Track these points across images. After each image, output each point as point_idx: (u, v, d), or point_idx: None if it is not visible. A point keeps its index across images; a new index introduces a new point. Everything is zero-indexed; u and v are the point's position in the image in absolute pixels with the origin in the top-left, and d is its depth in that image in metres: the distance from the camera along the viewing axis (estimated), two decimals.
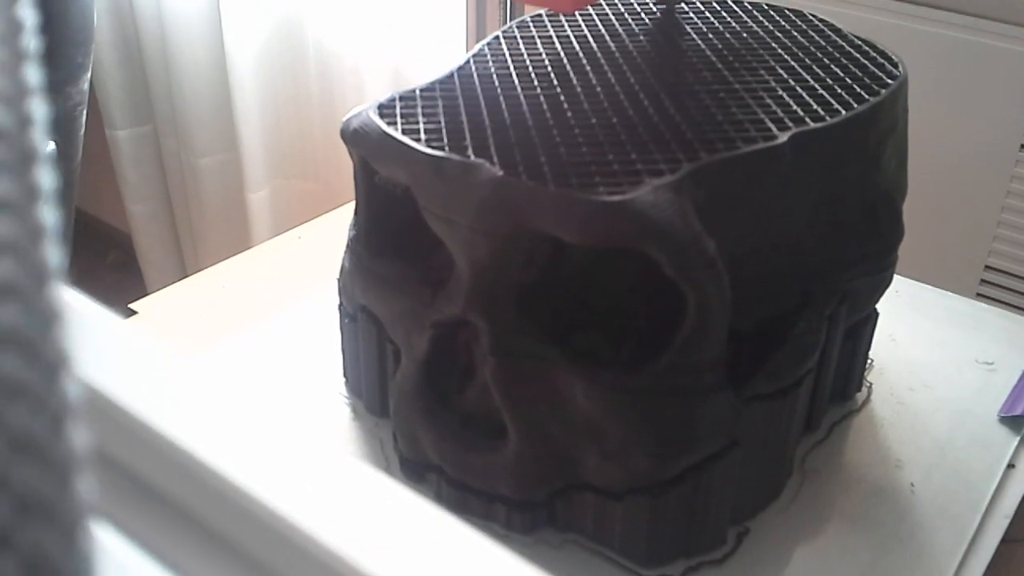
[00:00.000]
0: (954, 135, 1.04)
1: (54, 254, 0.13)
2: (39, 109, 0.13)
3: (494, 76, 0.62)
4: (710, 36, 0.69)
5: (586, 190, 0.49)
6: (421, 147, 0.53)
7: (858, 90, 0.60)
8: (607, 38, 0.69)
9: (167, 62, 1.34)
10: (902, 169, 0.65)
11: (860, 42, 0.67)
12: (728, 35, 0.69)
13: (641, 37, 0.69)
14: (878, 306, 0.67)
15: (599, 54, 0.66)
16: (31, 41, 0.14)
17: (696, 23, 0.71)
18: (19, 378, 0.12)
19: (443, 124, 0.56)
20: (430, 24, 1.25)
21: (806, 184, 0.57)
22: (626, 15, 0.72)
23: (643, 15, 0.72)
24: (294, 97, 1.34)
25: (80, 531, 0.12)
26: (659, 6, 0.72)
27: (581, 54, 0.66)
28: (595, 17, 0.72)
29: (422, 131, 0.55)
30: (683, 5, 0.73)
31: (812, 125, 0.56)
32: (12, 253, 0.13)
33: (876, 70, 0.63)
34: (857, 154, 0.59)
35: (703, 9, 0.73)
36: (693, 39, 0.68)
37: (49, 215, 0.13)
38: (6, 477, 0.11)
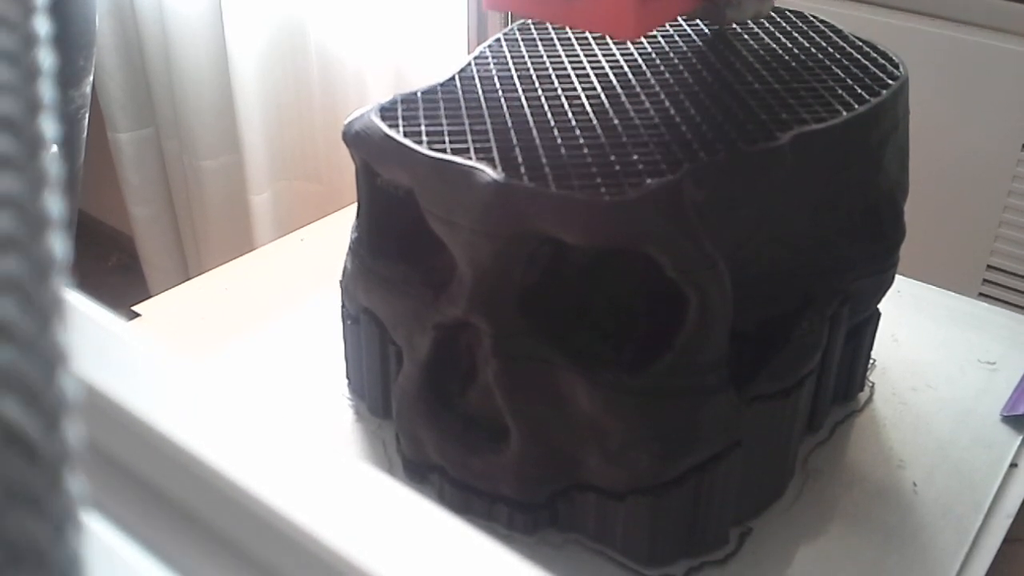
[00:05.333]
0: (955, 135, 1.04)
1: (58, 248, 0.13)
2: (50, 128, 0.13)
3: (495, 78, 0.63)
4: (711, 37, 0.69)
5: (587, 191, 0.49)
6: (423, 149, 0.53)
7: (859, 91, 0.60)
8: (608, 40, 0.69)
9: (169, 65, 1.34)
10: (903, 169, 0.65)
11: (861, 43, 0.67)
12: (729, 36, 0.69)
13: (642, 40, 0.69)
14: (880, 306, 0.67)
15: (600, 56, 0.66)
16: (45, 57, 0.14)
17: (696, 24, 0.71)
18: (15, 370, 0.12)
19: (445, 126, 0.56)
20: (431, 26, 1.25)
21: (807, 185, 0.57)
22: None
23: None
24: (296, 99, 1.34)
25: (70, 524, 0.12)
26: (711, 27, 0.71)
27: (582, 56, 0.66)
28: None
29: (424, 133, 0.55)
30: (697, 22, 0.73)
31: (813, 126, 0.56)
32: (14, 247, 0.12)
33: (877, 71, 0.63)
34: (858, 155, 0.59)
35: None
36: (694, 40, 0.69)
37: (54, 209, 0.13)
38: None
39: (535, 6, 0.57)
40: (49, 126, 0.13)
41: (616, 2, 0.54)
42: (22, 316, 0.12)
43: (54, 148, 0.14)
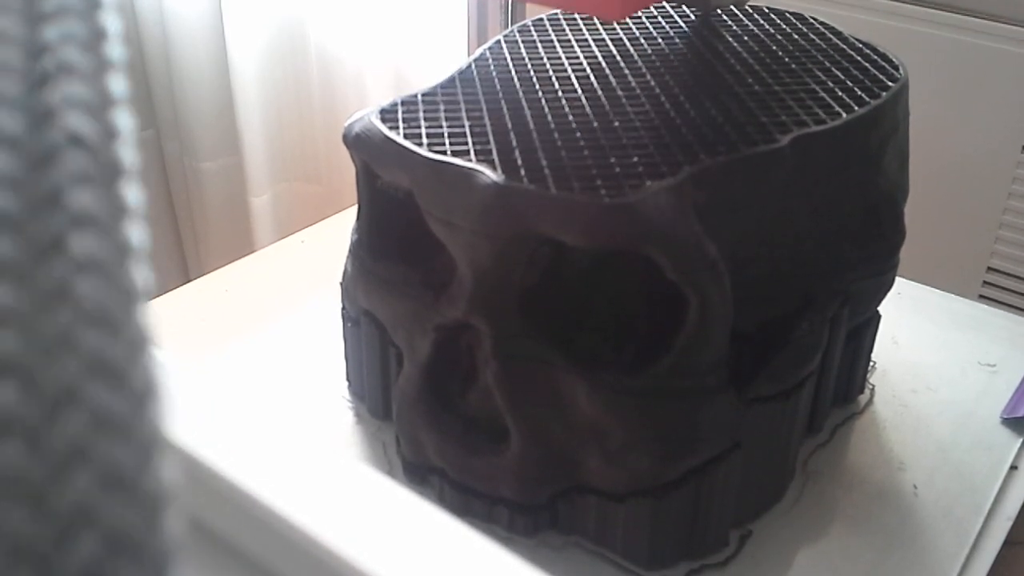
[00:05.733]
0: (955, 137, 1.04)
1: (137, 233, 0.14)
2: (124, 119, 0.14)
3: (496, 80, 0.63)
4: (711, 40, 0.69)
5: (587, 193, 0.49)
6: (423, 151, 0.53)
7: (859, 93, 0.60)
8: (608, 42, 0.69)
9: (169, 67, 1.34)
10: (903, 171, 0.65)
11: (861, 45, 0.67)
12: (729, 38, 0.69)
13: (642, 41, 0.69)
14: (880, 308, 0.67)
15: (600, 57, 0.66)
16: (115, 49, 0.14)
17: (697, 27, 0.71)
18: (104, 356, 0.12)
19: (445, 128, 0.56)
20: (432, 28, 1.25)
21: (807, 187, 0.57)
22: (627, 19, 0.72)
23: (644, 20, 0.73)
24: (296, 101, 1.35)
25: (162, 506, 0.12)
26: (694, 11, 0.72)
27: (582, 57, 0.66)
28: (596, 21, 0.72)
29: (424, 135, 0.55)
30: (684, 8, 0.74)
31: (813, 128, 0.56)
32: (96, 227, 0.13)
33: (877, 72, 0.63)
34: (858, 157, 0.59)
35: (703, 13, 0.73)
36: (695, 43, 0.69)
37: (132, 197, 0.14)
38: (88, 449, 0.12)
39: None
40: (123, 117, 0.14)
41: None
42: (110, 298, 0.13)
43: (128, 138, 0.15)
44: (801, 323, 0.58)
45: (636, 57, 0.66)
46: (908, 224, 0.65)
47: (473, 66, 0.64)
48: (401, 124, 0.56)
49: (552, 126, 0.57)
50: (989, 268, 1.09)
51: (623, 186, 0.50)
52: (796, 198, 0.57)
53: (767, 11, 0.73)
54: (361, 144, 0.57)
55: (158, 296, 0.85)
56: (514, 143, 0.54)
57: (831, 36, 0.69)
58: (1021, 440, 0.67)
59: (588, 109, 0.59)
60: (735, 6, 0.70)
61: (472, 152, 0.53)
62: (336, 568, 0.19)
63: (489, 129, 0.56)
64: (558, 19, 0.72)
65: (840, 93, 0.60)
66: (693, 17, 0.71)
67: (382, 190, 0.59)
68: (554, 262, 0.53)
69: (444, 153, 0.53)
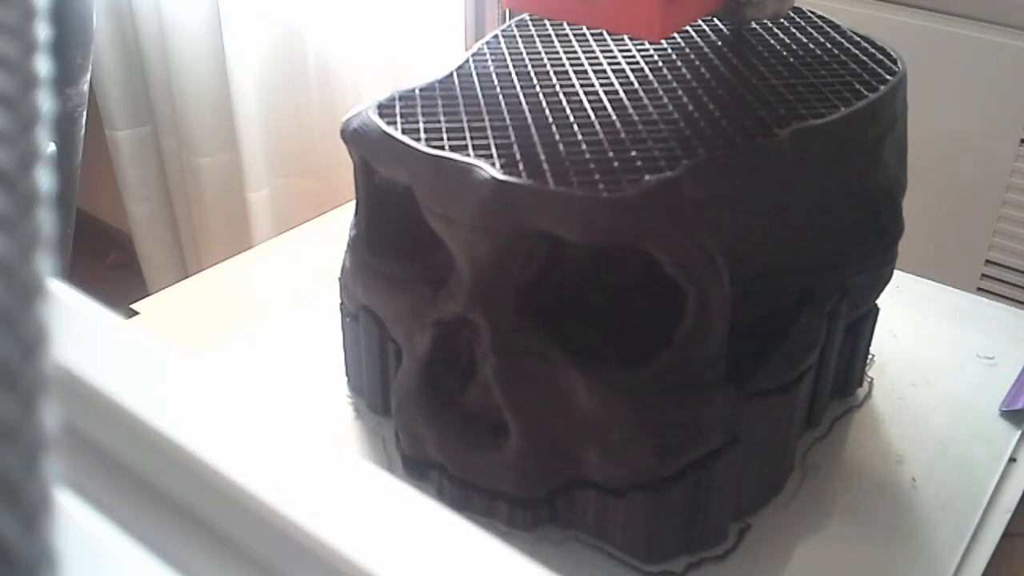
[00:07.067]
0: (954, 130, 1.04)
1: (45, 226, 0.13)
2: (46, 105, 0.13)
3: (493, 75, 0.62)
4: (708, 34, 0.69)
5: (585, 188, 0.49)
6: (421, 146, 0.53)
7: (857, 86, 0.60)
8: (606, 36, 0.69)
9: (167, 62, 1.34)
10: (902, 165, 0.65)
11: (859, 38, 0.67)
12: (727, 32, 0.69)
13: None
14: (879, 301, 0.67)
15: (597, 52, 0.66)
16: (41, 33, 0.14)
17: (731, 40, 0.71)
18: None
19: (443, 123, 0.56)
20: (429, 22, 1.25)
21: (806, 181, 0.57)
22: None
23: None
24: (294, 96, 1.34)
25: (44, 514, 0.12)
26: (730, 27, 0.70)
27: (580, 52, 0.66)
28: None
29: (422, 130, 0.55)
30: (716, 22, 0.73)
31: (811, 121, 0.56)
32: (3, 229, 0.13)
33: (875, 66, 0.63)
34: (857, 150, 0.59)
35: None
36: (691, 37, 0.68)
37: (44, 186, 0.13)
38: None
39: (557, 7, 0.57)
40: (45, 101, 0.14)
41: (642, 3, 0.54)
42: (4, 294, 0.12)
43: (52, 146, 0.14)
44: (800, 317, 0.58)
45: (633, 52, 0.66)
46: (906, 217, 0.65)
47: (470, 61, 0.64)
48: (399, 119, 0.56)
49: (550, 121, 0.56)
50: (987, 261, 1.09)
51: (621, 181, 0.50)
52: (794, 192, 0.57)
53: None
54: (359, 139, 0.57)
55: (156, 292, 0.85)
56: (512, 138, 0.54)
57: (829, 30, 0.69)
58: (1019, 432, 0.68)
59: (586, 104, 0.59)
60: (770, 20, 0.69)
61: (470, 147, 0.53)
62: (335, 564, 0.19)
63: (487, 124, 0.56)
64: None
65: (838, 87, 0.60)
66: (727, 32, 0.69)
67: (380, 185, 0.59)
68: (552, 257, 0.53)
69: (442, 148, 0.53)
